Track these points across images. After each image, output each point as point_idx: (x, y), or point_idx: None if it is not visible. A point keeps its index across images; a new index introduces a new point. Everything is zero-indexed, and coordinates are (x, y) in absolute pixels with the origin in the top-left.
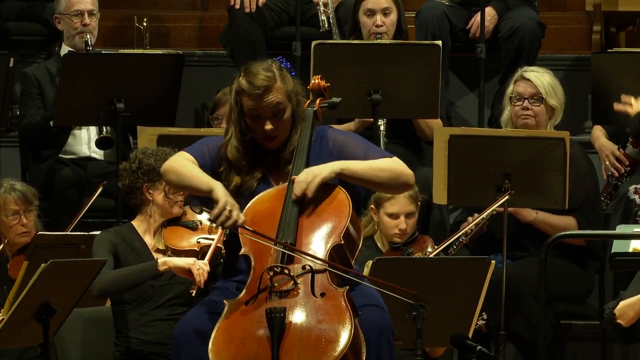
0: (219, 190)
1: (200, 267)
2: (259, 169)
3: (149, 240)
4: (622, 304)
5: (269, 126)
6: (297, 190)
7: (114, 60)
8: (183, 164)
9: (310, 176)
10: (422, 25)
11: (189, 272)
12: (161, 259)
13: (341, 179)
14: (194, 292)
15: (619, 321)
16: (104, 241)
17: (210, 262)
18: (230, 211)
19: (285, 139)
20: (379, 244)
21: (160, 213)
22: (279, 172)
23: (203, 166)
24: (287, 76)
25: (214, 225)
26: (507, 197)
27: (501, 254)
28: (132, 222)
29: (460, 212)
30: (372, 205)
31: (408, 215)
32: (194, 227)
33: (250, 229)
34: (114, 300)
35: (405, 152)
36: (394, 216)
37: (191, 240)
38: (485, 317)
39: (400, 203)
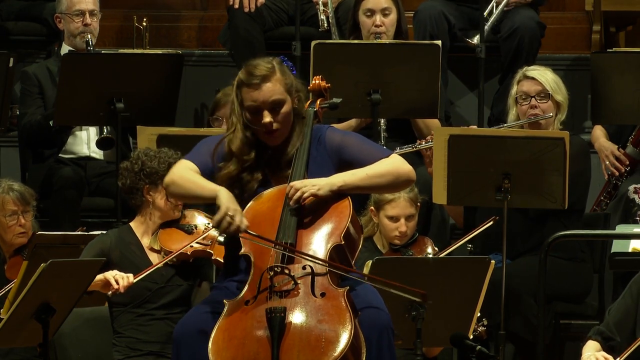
0: (223, 196)
1: (118, 274)
2: (259, 169)
3: (146, 242)
4: (583, 356)
5: (267, 118)
6: (293, 199)
7: (114, 60)
8: (184, 175)
9: (307, 189)
10: (420, 25)
11: (105, 282)
12: None
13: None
14: (110, 293)
15: None
16: (93, 247)
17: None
18: (233, 216)
19: (287, 137)
20: (378, 245)
21: (159, 215)
22: (279, 174)
23: (205, 169)
24: (287, 72)
25: (217, 231)
26: (491, 222)
27: (501, 253)
28: (131, 223)
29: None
30: (372, 207)
31: (408, 218)
32: (189, 230)
33: (254, 233)
34: (110, 302)
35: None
36: (394, 219)
37: (184, 244)
38: (485, 322)
39: (400, 206)
